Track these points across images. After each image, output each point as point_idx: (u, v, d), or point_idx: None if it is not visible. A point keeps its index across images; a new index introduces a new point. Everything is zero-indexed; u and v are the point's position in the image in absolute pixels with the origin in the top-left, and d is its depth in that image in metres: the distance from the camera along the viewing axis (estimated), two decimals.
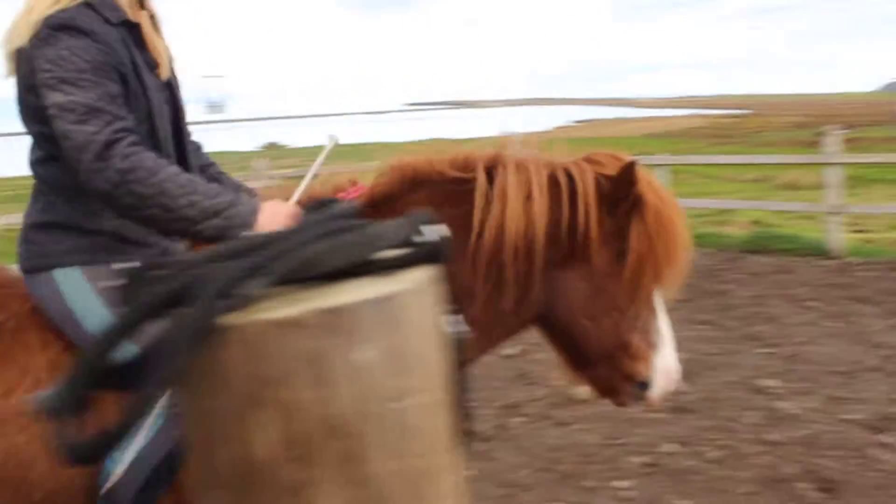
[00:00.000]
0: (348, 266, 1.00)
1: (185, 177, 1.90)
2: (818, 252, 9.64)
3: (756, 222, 15.72)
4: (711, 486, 4.03)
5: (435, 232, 1.12)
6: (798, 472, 4.15)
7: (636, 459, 4.36)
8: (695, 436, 4.62)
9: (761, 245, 10.05)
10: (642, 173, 2.15)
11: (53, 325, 1.95)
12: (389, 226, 1.09)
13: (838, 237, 9.57)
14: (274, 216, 1.95)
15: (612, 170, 2.17)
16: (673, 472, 4.21)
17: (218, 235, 1.87)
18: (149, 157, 1.85)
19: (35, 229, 2.02)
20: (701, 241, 10.82)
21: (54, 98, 1.83)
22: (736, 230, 13.55)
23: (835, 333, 6.51)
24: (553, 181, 2.15)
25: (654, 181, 2.24)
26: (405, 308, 0.95)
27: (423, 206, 1.89)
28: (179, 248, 2.14)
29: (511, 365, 5.93)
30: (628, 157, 2.17)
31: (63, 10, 1.86)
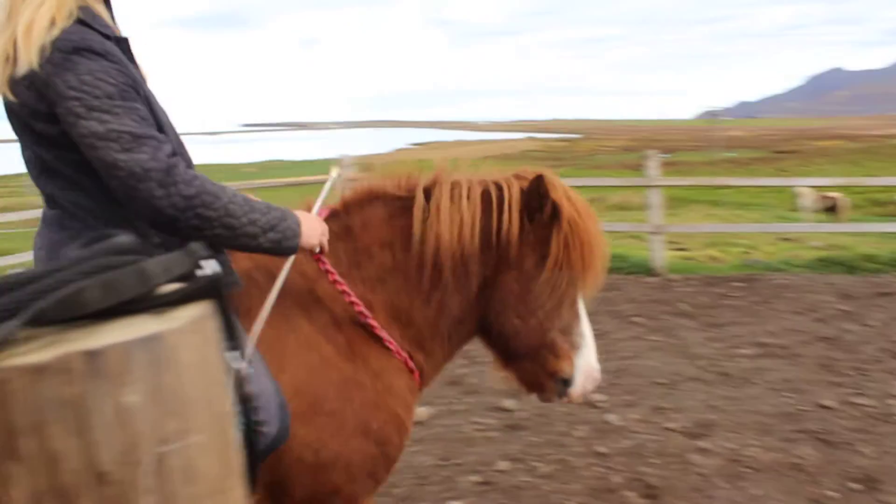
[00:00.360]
0: (117, 304, 0.95)
1: (241, 196, 1.97)
2: (643, 270, 10.19)
3: None
4: (543, 500, 4.16)
5: (212, 266, 1.08)
6: (624, 481, 4.34)
7: (471, 478, 4.42)
8: (528, 452, 4.75)
9: None
10: (557, 185, 2.44)
11: None
12: (164, 260, 1.04)
13: (660, 255, 10.16)
14: (312, 229, 2.16)
15: (527, 174, 2.49)
16: (506, 488, 4.30)
17: (273, 249, 2.03)
18: (207, 180, 1.89)
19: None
20: None
21: (90, 127, 1.75)
22: None
23: (657, 347, 6.89)
24: (485, 195, 2.44)
25: (571, 193, 2.49)
26: (176, 347, 0.91)
27: (378, 219, 2.42)
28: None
29: None
30: (542, 171, 2.45)
31: (69, 31, 1.76)
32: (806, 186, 27.09)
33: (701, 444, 4.81)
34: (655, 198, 10.26)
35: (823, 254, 11.67)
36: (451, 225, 2.39)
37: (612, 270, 10.25)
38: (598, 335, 7.29)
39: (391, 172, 2.53)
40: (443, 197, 2.41)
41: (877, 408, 5.37)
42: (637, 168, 15.21)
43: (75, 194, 1.93)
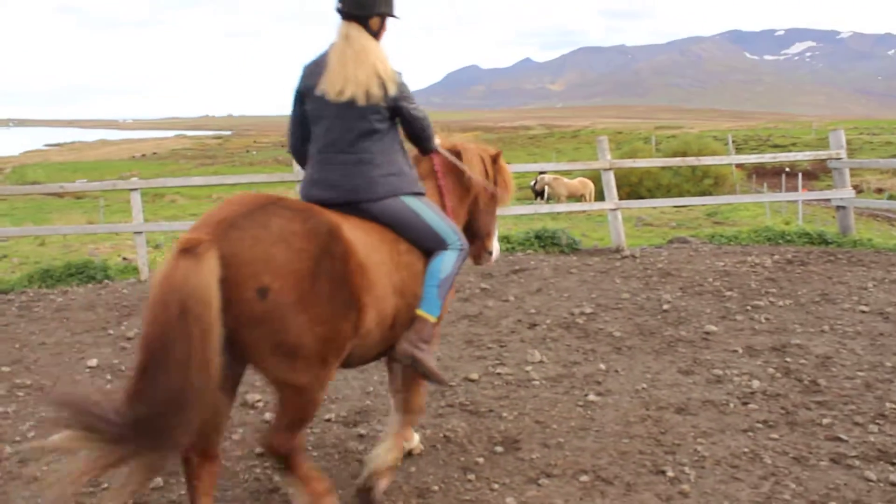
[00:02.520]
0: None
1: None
2: None
3: None
4: None
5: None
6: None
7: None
8: None
9: None
10: (501, 154, 4.68)
11: (397, 231, 3.73)
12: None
13: None
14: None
15: (493, 152, 4.59)
16: None
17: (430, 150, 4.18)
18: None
19: (384, 177, 3.71)
20: None
21: (414, 111, 3.87)
22: None
23: None
24: (482, 157, 4.49)
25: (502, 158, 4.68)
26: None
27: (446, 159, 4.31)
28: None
29: None
30: (495, 149, 4.64)
31: (395, 70, 3.78)
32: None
33: (359, 430, 4.89)
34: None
35: None
36: (476, 172, 4.37)
37: None
38: None
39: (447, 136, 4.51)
40: (471, 156, 4.40)
41: (515, 374, 5.85)
42: (291, 164, 15.19)
43: (384, 142, 3.78)
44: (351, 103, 3.64)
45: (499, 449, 4.56)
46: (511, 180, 4.63)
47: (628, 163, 14.21)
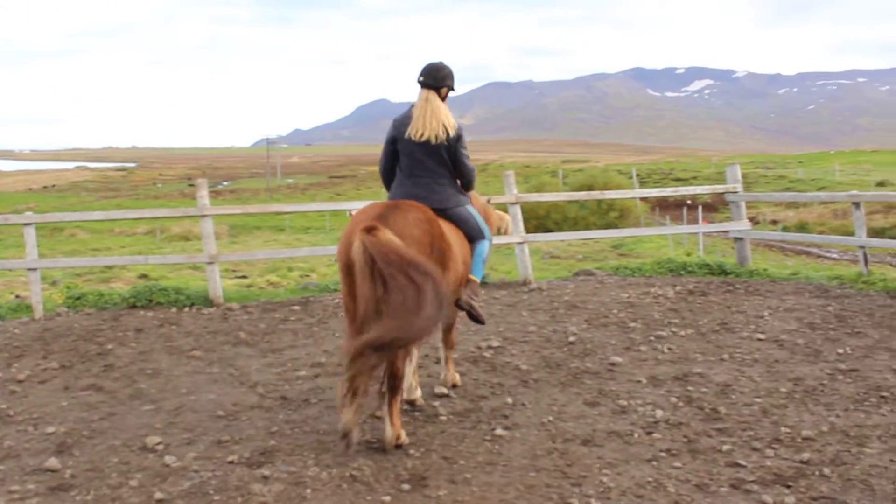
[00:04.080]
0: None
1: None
2: (202, 301, 9.95)
3: (143, 276, 15.72)
4: None
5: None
6: None
7: None
8: None
9: (146, 300, 9.99)
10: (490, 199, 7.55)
11: (460, 227, 5.75)
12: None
13: (217, 285, 10.01)
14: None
15: (486, 199, 7.39)
16: None
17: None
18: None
19: (451, 193, 5.72)
20: (81, 301, 10.31)
21: (466, 159, 5.82)
22: (122, 286, 13.24)
23: (217, 379, 6.73)
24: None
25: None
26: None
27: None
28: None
29: None
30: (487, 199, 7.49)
31: (457, 123, 5.72)
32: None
33: (263, 471, 4.74)
34: (208, 227, 10.09)
35: None
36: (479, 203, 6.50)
37: (170, 304, 9.87)
38: (153, 374, 6.95)
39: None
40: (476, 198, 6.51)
41: (422, 410, 5.80)
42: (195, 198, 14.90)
43: (450, 174, 5.78)
44: (428, 142, 5.61)
45: (405, 486, 4.49)
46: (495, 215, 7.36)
47: (535, 197, 14.44)
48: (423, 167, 5.66)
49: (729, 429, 5.28)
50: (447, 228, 5.51)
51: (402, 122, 5.74)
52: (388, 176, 5.99)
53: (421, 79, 5.72)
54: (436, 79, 5.70)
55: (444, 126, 5.64)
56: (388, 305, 4.58)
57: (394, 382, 5.00)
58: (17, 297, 12.51)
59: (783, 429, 5.23)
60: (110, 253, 29.52)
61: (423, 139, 5.57)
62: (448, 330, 6.22)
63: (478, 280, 5.85)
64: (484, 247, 5.96)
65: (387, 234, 4.72)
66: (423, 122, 5.61)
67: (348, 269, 4.81)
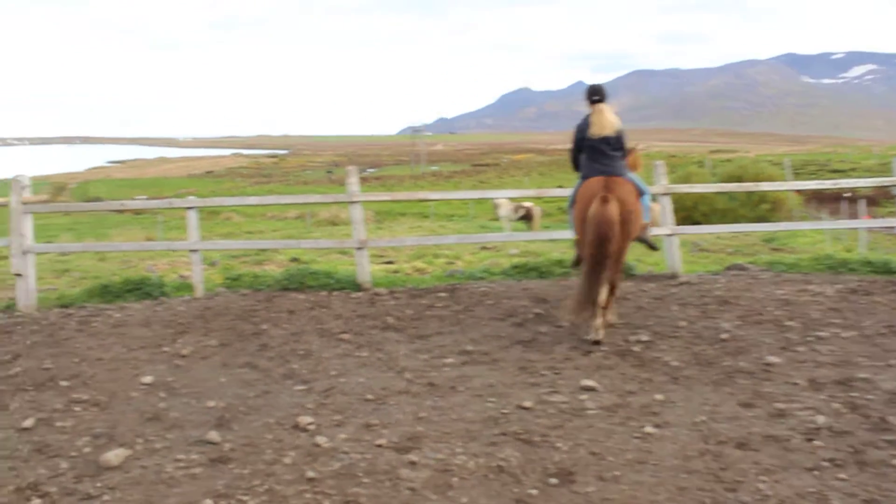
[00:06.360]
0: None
1: None
2: (351, 285, 10.20)
3: (295, 259, 16.28)
4: None
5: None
6: None
7: None
8: (235, 486, 4.47)
9: (298, 283, 10.34)
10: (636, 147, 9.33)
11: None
12: None
13: (366, 270, 10.23)
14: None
15: (633, 147, 8.86)
16: None
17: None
18: None
19: (622, 166, 7.86)
20: (238, 282, 10.79)
21: (626, 141, 8.02)
22: (274, 268, 13.76)
23: (365, 363, 6.88)
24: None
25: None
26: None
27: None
28: None
29: (27, 438, 5.29)
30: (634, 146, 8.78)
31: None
32: (503, 198, 28.90)
33: (411, 457, 4.81)
34: (357, 213, 10.32)
35: (519, 260, 12.41)
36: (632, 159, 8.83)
37: (320, 287, 10.16)
38: (305, 355, 7.17)
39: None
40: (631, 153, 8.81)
41: (569, 403, 5.72)
42: (343, 183, 15.29)
43: (620, 157, 7.93)
44: (606, 137, 7.74)
45: (553, 481, 4.45)
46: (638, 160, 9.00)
47: (685, 188, 13.97)
48: (603, 153, 7.82)
49: None
50: (631, 186, 7.80)
51: (584, 126, 7.95)
52: (576, 160, 8.23)
53: (593, 97, 7.94)
54: (601, 96, 7.96)
55: (613, 125, 7.84)
56: (619, 238, 7.35)
57: (613, 291, 7.75)
58: (181, 276, 13.25)
59: None
60: (263, 236, 30.80)
61: (603, 136, 7.78)
62: (612, 289, 7.83)
63: (646, 221, 8.18)
64: (646, 198, 8.21)
65: (615, 205, 7.33)
66: (601, 124, 7.78)
67: (597, 220, 7.27)
